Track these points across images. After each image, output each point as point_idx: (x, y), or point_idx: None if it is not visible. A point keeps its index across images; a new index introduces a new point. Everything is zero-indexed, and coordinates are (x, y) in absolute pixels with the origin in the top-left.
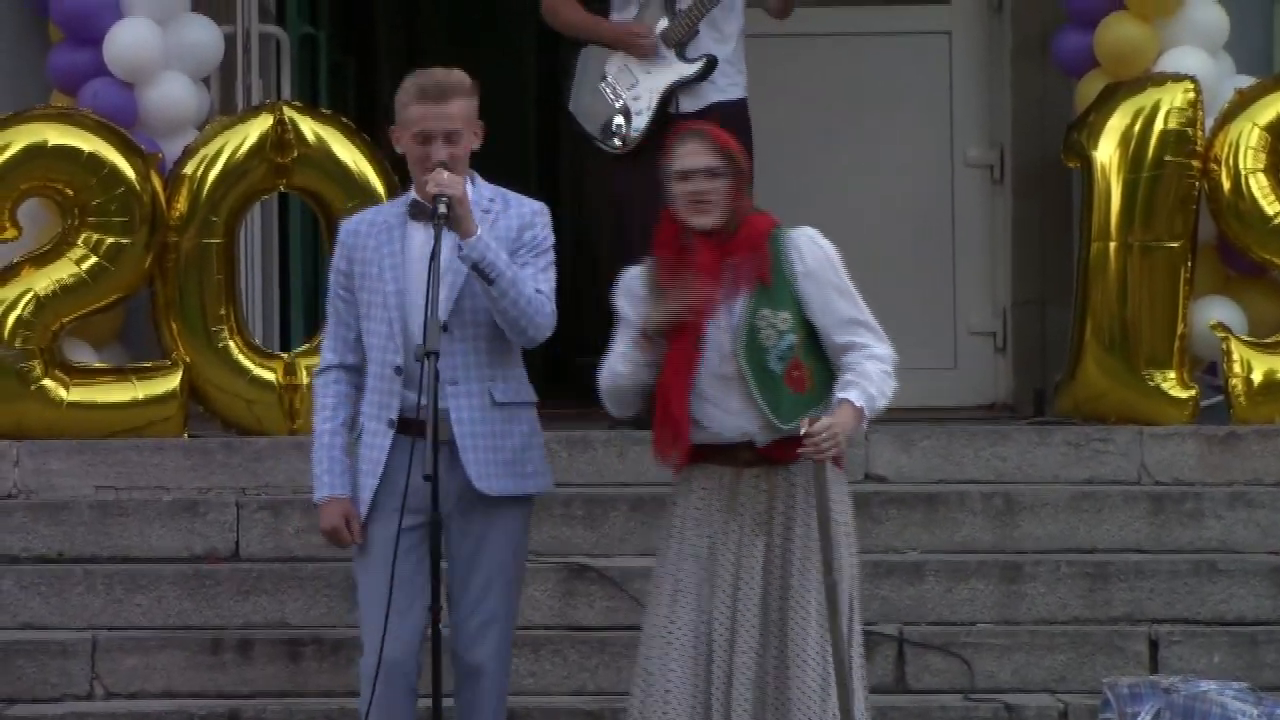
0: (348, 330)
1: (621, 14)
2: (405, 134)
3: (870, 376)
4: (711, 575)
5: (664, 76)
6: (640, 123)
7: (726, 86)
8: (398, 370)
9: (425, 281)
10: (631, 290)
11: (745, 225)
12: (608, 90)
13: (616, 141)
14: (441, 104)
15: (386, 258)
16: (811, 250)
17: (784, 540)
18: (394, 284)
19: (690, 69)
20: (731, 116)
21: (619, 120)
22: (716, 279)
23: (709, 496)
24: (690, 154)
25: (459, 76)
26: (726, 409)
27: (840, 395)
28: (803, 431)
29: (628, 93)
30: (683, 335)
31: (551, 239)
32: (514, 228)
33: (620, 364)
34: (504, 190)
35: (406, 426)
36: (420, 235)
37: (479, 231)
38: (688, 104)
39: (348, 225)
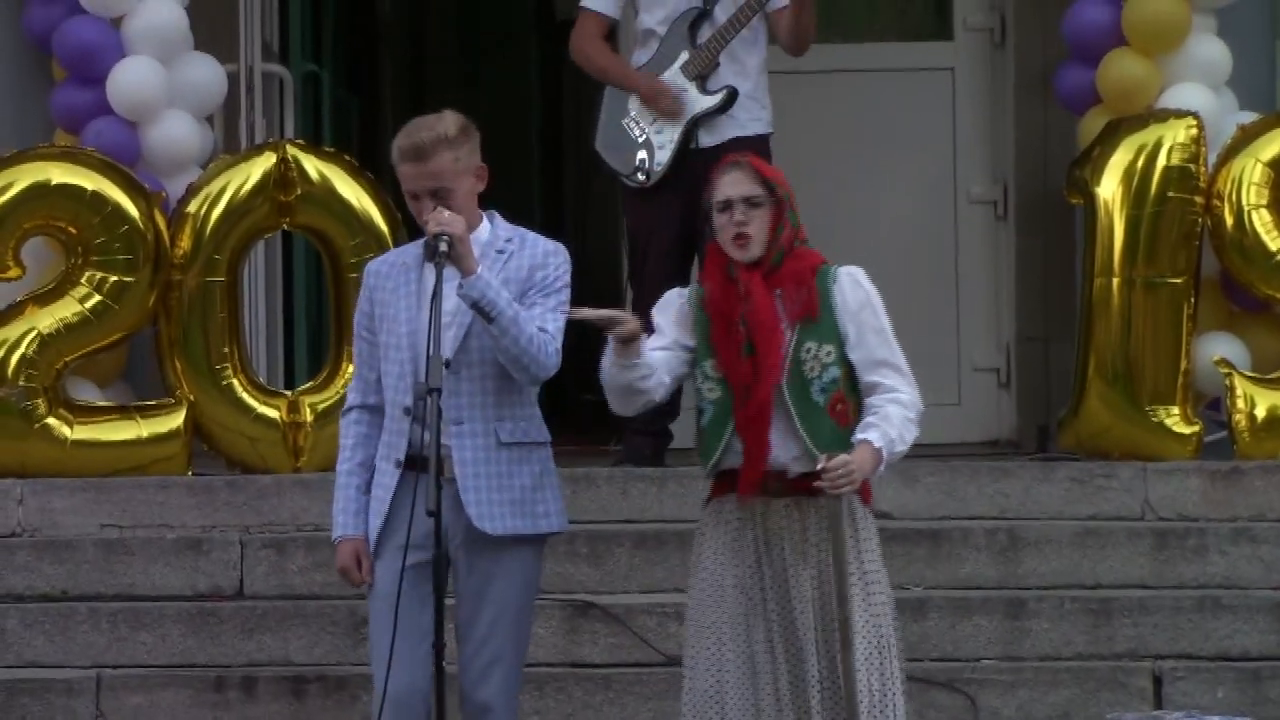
0: (369, 371)
1: (643, 50)
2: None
3: (892, 420)
4: (757, 605)
5: (686, 111)
6: (663, 157)
7: (747, 121)
8: (407, 411)
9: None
10: (670, 307)
11: (793, 258)
12: (632, 126)
13: (641, 176)
14: (423, 163)
15: (403, 299)
16: (854, 290)
17: (818, 572)
18: (407, 325)
19: (711, 101)
20: (752, 151)
21: (642, 155)
22: (773, 311)
23: (743, 528)
24: (731, 183)
25: (444, 127)
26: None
27: (860, 435)
28: (819, 466)
29: (650, 127)
30: (766, 364)
31: (565, 280)
32: (525, 267)
33: (615, 370)
34: (523, 230)
35: (412, 464)
36: (434, 275)
37: (479, 270)
38: (706, 139)
39: (372, 266)
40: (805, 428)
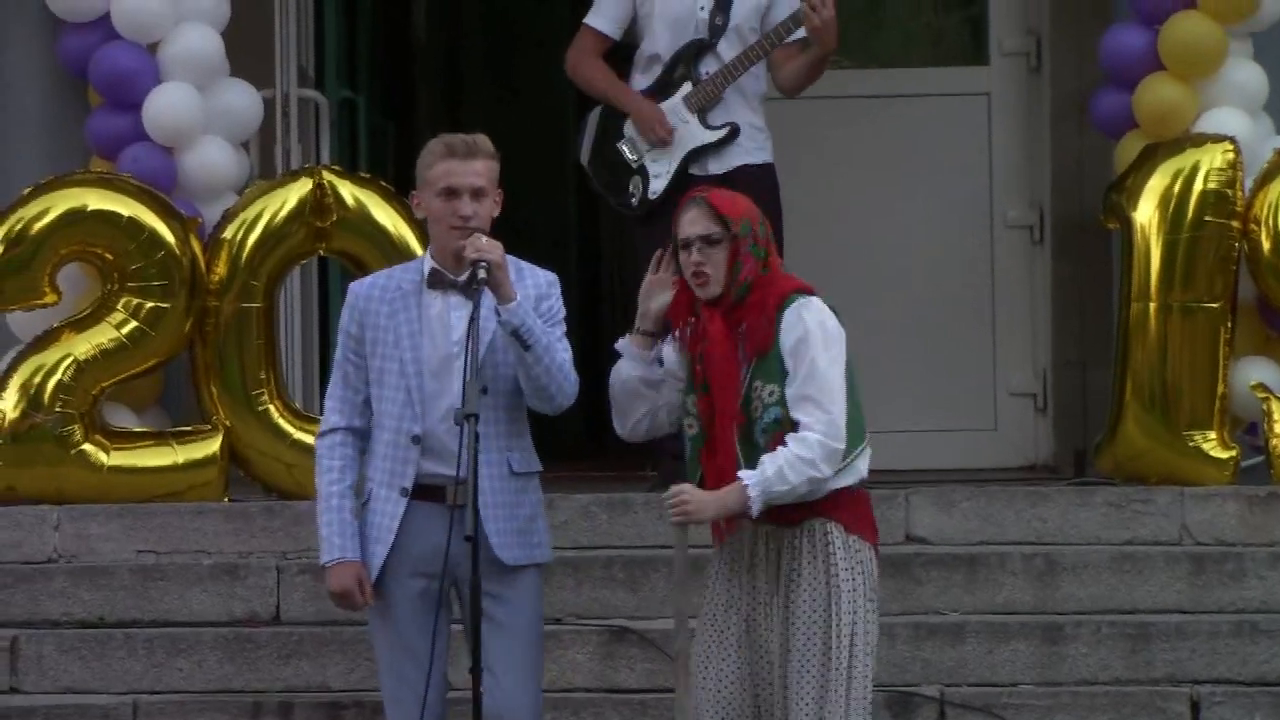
0: (355, 394)
1: (644, 75)
2: (429, 193)
3: (776, 458)
4: (746, 632)
5: (685, 143)
6: (659, 185)
7: (753, 150)
8: (415, 439)
9: (444, 349)
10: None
11: (760, 290)
12: (626, 149)
13: (633, 202)
14: (469, 160)
15: (403, 325)
16: (794, 325)
17: (786, 601)
18: (411, 352)
19: (712, 136)
20: (757, 180)
21: (636, 180)
22: (729, 349)
23: (734, 555)
24: (689, 222)
25: (485, 140)
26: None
27: (740, 473)
28: (663, 495)
29: (647, 154)
30: (717, 405)
31: (564, 310)
32: (531, 297)
33: (626, 368)
34: (517, 260)
35: (426, 493)
36: (438, 304)
37: (519, 297)
38: (715, 166)
39: (358, 289)
40: (746, 468)
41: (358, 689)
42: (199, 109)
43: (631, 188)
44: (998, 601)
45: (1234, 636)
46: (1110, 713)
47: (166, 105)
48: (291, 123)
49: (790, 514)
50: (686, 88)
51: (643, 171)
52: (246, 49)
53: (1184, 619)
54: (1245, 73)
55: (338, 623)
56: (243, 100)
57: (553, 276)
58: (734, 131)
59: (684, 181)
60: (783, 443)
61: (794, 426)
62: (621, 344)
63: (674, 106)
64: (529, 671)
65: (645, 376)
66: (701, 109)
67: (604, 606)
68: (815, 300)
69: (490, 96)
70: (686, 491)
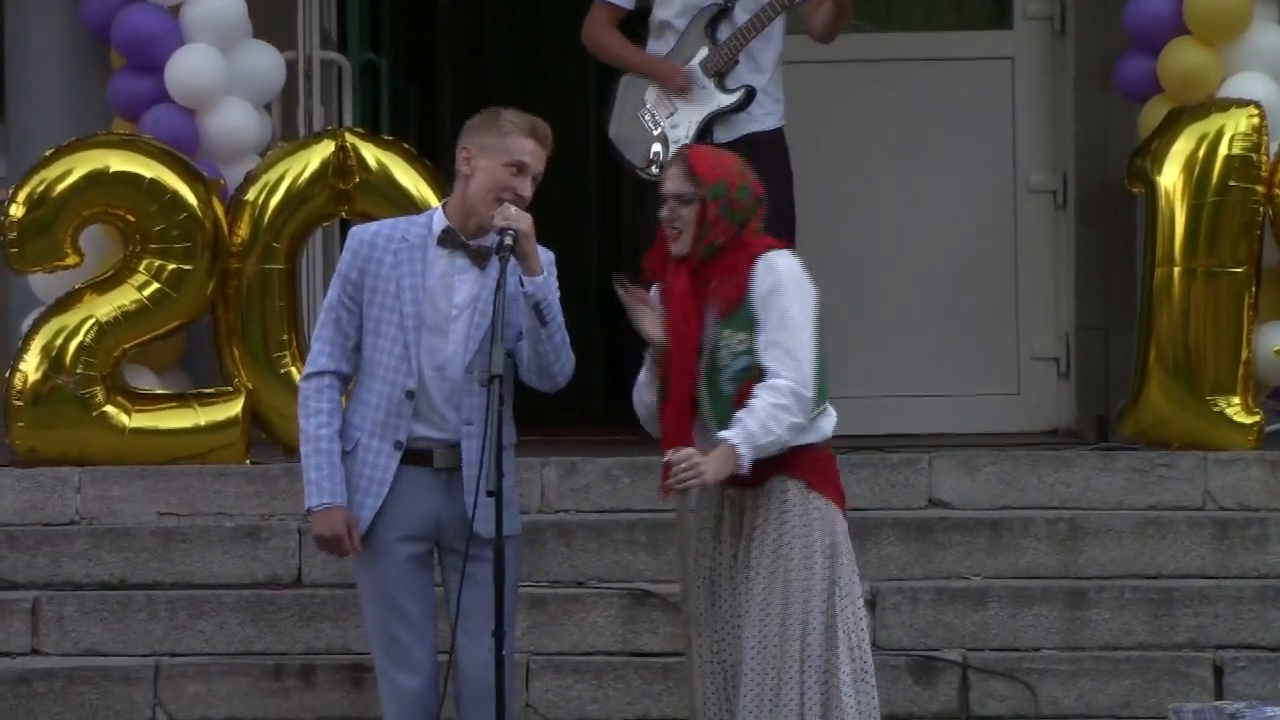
0: (345, 339)
1: (659, 42)
2: (494, 157)
3: (755, 411)
4: (713, 594)
5: (703, 107)
6: None
7: (762, 116)
8: (409, 394)
9: (443, 309)
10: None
11: (733, 250)
12: (647, 118)
13: (655, 169)
14: (543, 148)
15: (406, 278)
16: (766, 275)
17: (746, 561)
18: (412, 305)
19: (729, 99)
20: (766, 145)
21: (657, 148)
22: (689, 306)
23: (705, 514)
24: (668, 179)
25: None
26: (705, 432)
27: (720, 434)
28: (666, 459)
29: (666, 121)
30: (671, 361)
31: (558, 290)
32: None
33: (644, 392)
34: None
35: (411, 456)
36: (443, 263)
37: (545, 272)
38: (722, 134)
39: (360, 234)
40: (713, 417)
41: None
42: (221, 71)
43: (653, 155)
44: (1021, 566)
45: (1257, 601)
46: (1133, 678)
47: (189, 67)
48: (314, 85)
49: (752, 474)
50: (703, 52)
51: (664, 139)
52: (269, 11)
53: (1207, 584)
54: (1270, 37)
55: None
56: (265, 62)
57: (550, 255)
58: (749, 94)
59: None
60: (751, 393)
61: (762, 376)
62: (641, 375)
63: (691, 71)
64: (508, 637)
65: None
66: (719, 73)
67: (626, 569)
68: (787, 254)
69: (512, 60)
70: (695, 456)
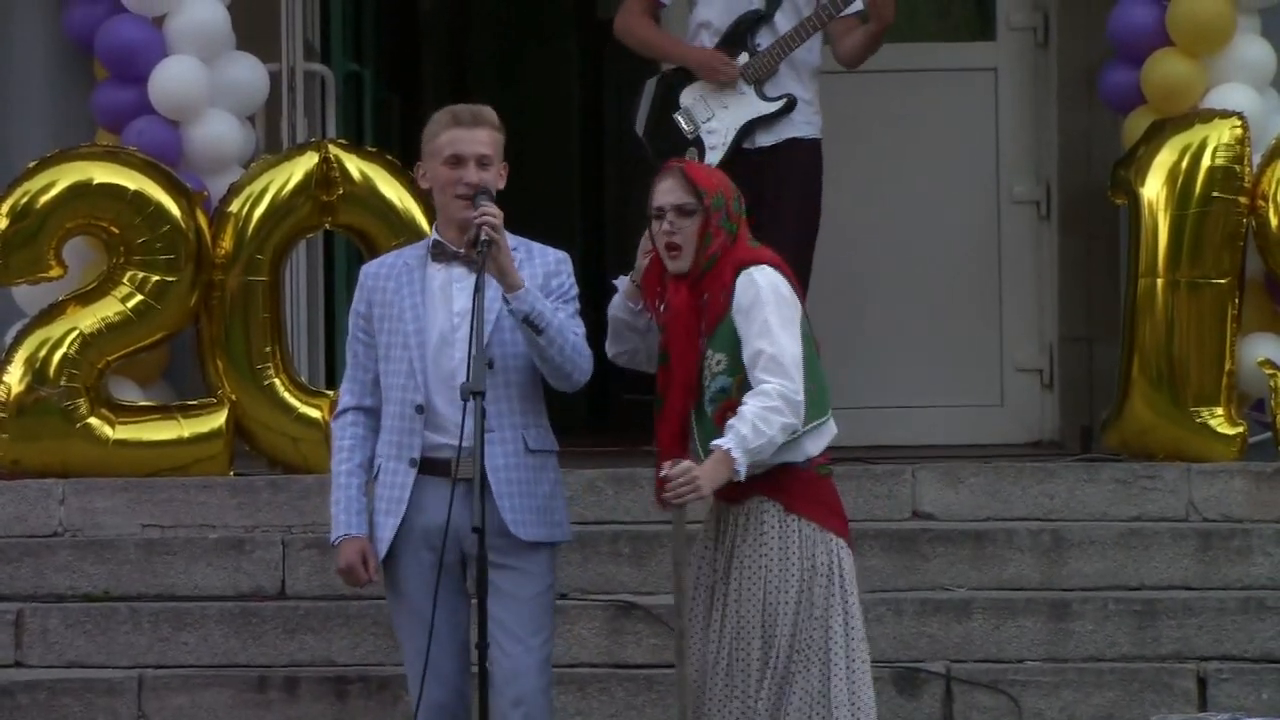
0: (365, 373)
1: (697, 42)
2: (434, 162)
3: (745, 416)
4: (708, 606)
5: (742, 113)
6: (714, 157)
7: (802, 124)
8: (419, 409)
9: (444, 321)
10: None
11: (724, 260)
12: (682, 120)
13: None
14: (474, 129)
15: (406, 298)
16: (746, 289)
17: (724, 573)
18: (414, 323)
19: (770, 107)
20: (805, 153)
21: (691, 152)
22: (692, 321)
23: (707, 530)
24: (664, 191)
25: (490, 111)
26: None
27: (714, 443)
28: (662, 474)
29: (703, 125)
30: (672, 375)
31: (576, 288)
32: (540, 275)
33: (618, 309)
34: (526, 240)
35: (431, 467)
36: (440, 275)
37: (526, 284)
38: (764, 139)
39: (368, 269)
40: (699, 438)
41: (363, 663)
42: (205, 82)
43: (688, 159)
44: (1004, 578)
45: (1241, 613)
46: (1117, 689)
47: (172, 78)
48: (297, 96)
49: (734, 491)
50: (743, 58)
51: (699, 143)
52: (252, 22)
53: (1191, 595)
54: (1253, 49)
55: (343, 597)
56: (249, 74)
57: (563, 255)
58: (791, 103)
59: (738, 156)
60: (733, 411)
61: (739, 399)
62: (619, 281)
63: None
64: (535, 641)
65: (630, 322)
66: (758, 80)
67: (610, 582)
68: (768, 267)
69: (496, 69)
70: (693, 469)
